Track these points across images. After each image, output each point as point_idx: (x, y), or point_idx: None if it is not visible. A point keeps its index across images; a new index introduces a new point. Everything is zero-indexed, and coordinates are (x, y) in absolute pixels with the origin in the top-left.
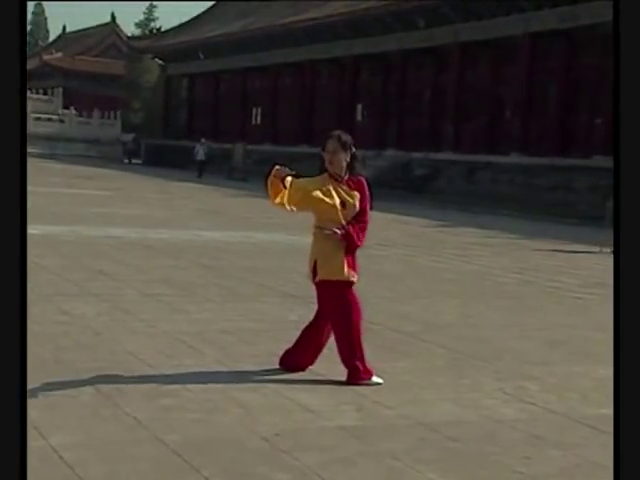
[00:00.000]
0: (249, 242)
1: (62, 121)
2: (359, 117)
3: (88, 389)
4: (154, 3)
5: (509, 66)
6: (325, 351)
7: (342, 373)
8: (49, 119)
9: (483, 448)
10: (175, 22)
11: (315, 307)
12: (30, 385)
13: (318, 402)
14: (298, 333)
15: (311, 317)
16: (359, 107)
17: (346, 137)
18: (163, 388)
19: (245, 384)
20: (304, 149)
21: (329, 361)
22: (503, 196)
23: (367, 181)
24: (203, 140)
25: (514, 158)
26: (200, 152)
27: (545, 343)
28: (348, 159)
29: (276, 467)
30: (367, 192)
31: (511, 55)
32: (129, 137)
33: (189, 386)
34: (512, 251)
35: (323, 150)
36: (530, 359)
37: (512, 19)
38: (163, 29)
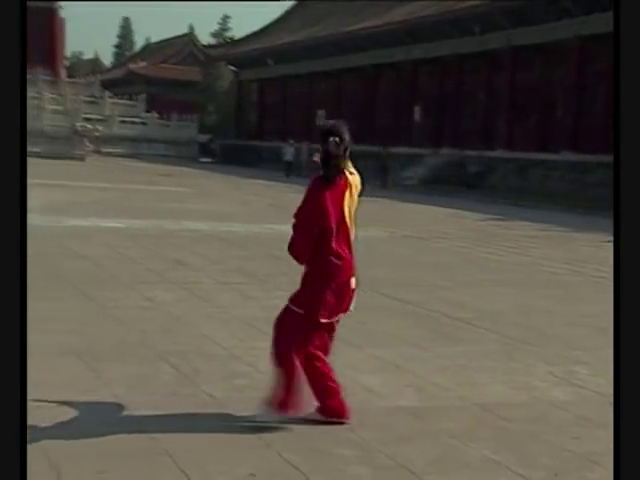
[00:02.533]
0: None
1: (144, 124)
2: (417, 117)
3: (168, 369)
4: (228, 15)
5: (560, 68)
6: (384, 338)
7: (399, 358)
8: (133, 122)
9: (534, 428)
10: (247, 32)
11: None
12: (117, 365)
13: (379, 383)
14: (358, 318)
15: (368, 305)
16: (417, 108)
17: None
18: (236, 369)
19: None
20: (365, 147)
21: (390, 346)
22: (554, 192)
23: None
24: (291, 141)
25: (565, 156)
26: (288, 153)
27: (593, 330)
28: None
29: (341, 443)
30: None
31: (562, 58)
32: (205, 138)
33: (260, 367)
34: (562, 243)
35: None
36: (579, 345)
37: (562, 24)
38: (236, 38)
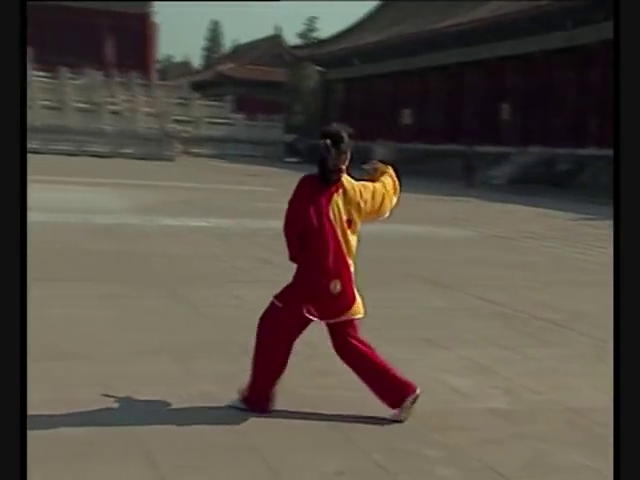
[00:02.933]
0: (398, 233)
1: (232, 124)
2: (504, 115)
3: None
4: (315, 16)
5: None
6: (472, 339)
7: (487, 359)
8: (221, 123)
9: None
10: (332, 32)
11: None
12: (207, 362)
13: (466, 385)
14: (447, 319)
15: (455, 305)
16: (504, 106)
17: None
18: (322, 368)
19: (395, 365)
20: (451, 147)
21: (478, 347)
22: None
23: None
24: (381, 140)
25: None
26: (378, 152)
27: None
28: None
29: (427, 444)
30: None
31: None
32: (290, 138)
33: (341, 367)
34: None
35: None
36: None
37: None
38: (322, 38)
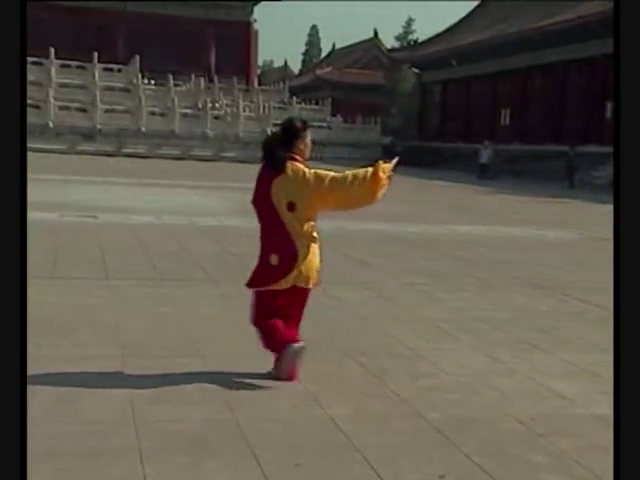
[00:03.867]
0: (498, 236)
1: (330, 128)
2: (609, 114)
3: (356, 367)
4: (412, 17)
5: None
6: (577, 343)
7: (593, 364)
8: (319, 126)
9: None
10: (430, 34)
11: None
12: (308, 362)
13: (572, 390)
14: (550, 323)
15: (558, 308)
16: (609, 105)
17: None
18: (423, 370)
19: (499, 369)
20: (552, 147)
21: (583, 351)
22: None
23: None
24: (487, 142)
25: None
26: (484, 154)
27: None
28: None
29: (532, 449)
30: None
31: None
32: (387, 140)
33: (446, 369)
34: None
35: (303, 137)
36: None
37: None
38: (419, 40)
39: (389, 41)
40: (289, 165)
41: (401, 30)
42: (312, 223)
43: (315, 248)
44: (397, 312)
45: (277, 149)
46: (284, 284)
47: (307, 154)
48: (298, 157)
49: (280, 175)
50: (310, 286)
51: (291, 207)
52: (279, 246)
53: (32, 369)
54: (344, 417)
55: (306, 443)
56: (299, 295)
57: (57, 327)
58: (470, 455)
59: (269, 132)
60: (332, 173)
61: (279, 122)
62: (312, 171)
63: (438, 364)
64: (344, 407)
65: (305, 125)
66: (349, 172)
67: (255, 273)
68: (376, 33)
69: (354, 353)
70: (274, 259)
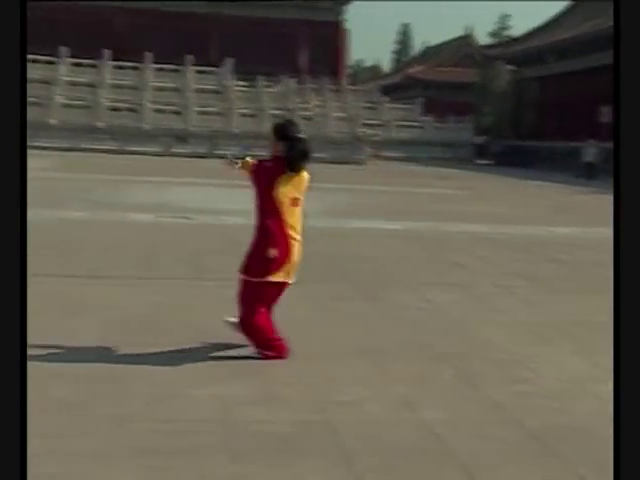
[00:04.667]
0: (598, 237)
1: (421, 127)
2: None
3: (450, 371)
4: (507, 13)
5: None
6: None
7: None
8: (410, 126)
9: None
10: (525, 29)
11: None
12: (401, 364)
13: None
14: None
15: None
16: None
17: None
18: (518, 374)
19: (600, 376)
20: None
21: None
22: None
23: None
24: (591, 140)
25: None
26: (589, 153)
27: None
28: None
29: None
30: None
31: None
32: (480, 140)
33: (544, 374)
34: None
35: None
36: None
37: None
38: (514, 37)
39: (483, 38)
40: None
41: (495, 26)
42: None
43: (299, 245)
44: (492, 315)
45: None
46: (279, 277)
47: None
48: None
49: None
50: (290, 281)
51: (295, 202)
52: (278, 239)
53: (130, 369)
54: (439, 421)
55: (400, 447)
56: (282, 289)
57: (152, 326)
58: (573, 465)
59: (359, 132)
60: None
61: (369, 122)
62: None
63: (535, 369)
64: (438, 411)
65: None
66: None
67: (251, 263)
68: (469, 30)
69: (448, 356)
70: (273, 252)
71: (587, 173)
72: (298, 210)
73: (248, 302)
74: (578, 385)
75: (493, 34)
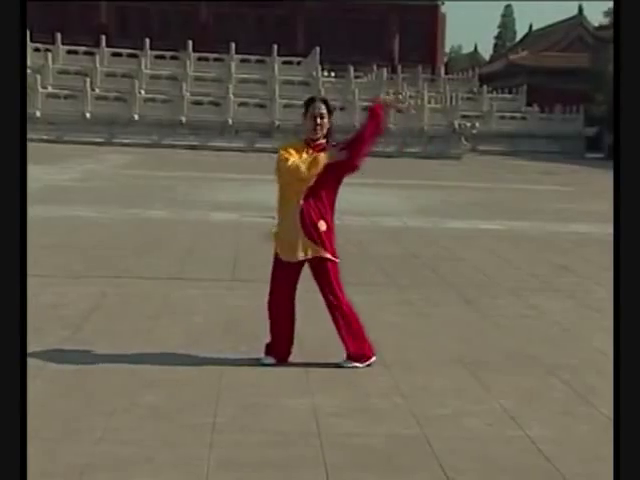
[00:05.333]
0: None
1: (524, 118)
2: None
3: (559, 385)
4: None
5: None
6: None
7: None
8: (512, 117)
9: None
10: None
11: None
12: (503, 376)
13: None
14: None
15: None
16: None
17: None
18: None
19: None
20: None
21: None
22: None
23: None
24: None
25: None
26: None
27: None
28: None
29: None
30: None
31: None
32: (592, 131)
33: None
34: None
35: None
36: None
37: None
38: None
39: (597, 18)
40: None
41: (611, 4)
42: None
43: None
44: (605, 324)
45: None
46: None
47: (310, 129)
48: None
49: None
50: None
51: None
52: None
53: (217, 376)
54: (546, 439)
55: (503, 466)
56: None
57: (239, 330)
58: None
59: (456, 125)
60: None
61: (467, 113)
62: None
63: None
64: (546, 428)
65: (308, 102)
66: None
67: (329, 242)
68: (581, 9)
69: (557, 368)
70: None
71: None
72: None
73: (338, 284)
74: None
75: (608, 13)
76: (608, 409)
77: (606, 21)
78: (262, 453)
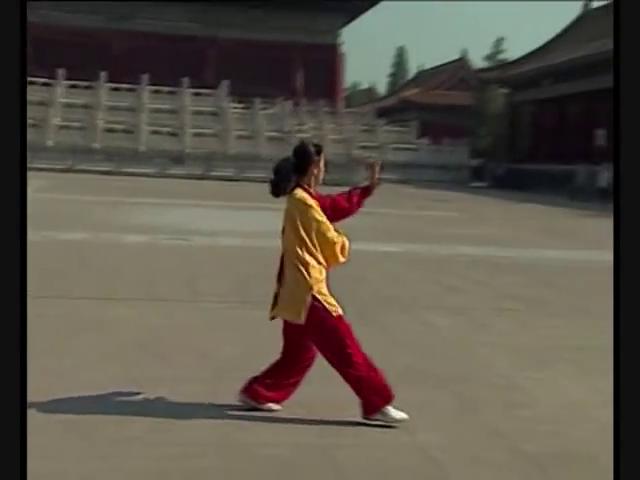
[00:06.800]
0: (595, 260)
1: (416, 150)
2: None
3: (448, 395)
4: (502, 37)
5: None
6: None
7: None
8: (405, 148)
9: None
10: (521, 52)
11: None
12: (398, 389)
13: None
14: None
15: None
16: None
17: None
18: (518, 399)
19: (598, 400)
20: None
21: None
22: None
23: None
24: (606, 164)
25: None
26: (603, 178)
27: None
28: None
29: None
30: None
31: None
32: (476, 162)
33: (543, 399)
34: None
35: (317, 162)
36: None
37: None
38: (510, 60)
39: (478, 61)
40: (296, 192)
41: (490, 50)
42: (303, 249)
43: (301, 277)
44: (490, 338)
45: (288, 176)
46: (273, 312)
47: (321, 178)
48: (307, 186)
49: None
50: (291, 319)
51: (283, 230)
52: (279, 272)
53: (128, 391)
54: (436, 446)
55: (396, 472)
56: (289, 330)
57: (152, 348)
58: None
59: (354, 155)
60: (325, 225)
61: (364, 144)
62: (312, 211)
63: (534, 394)
64: (436, 436)
65: (319, 149)
66: (335, 234)
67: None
68: (464, 53)
69: (446, 381)
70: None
71: (600, 198)
72: (285, 238)
73: None
74: (576, 410)
75: (488, 57)
76: (491, 417)
77: (487, 64)
78: (176, 464)
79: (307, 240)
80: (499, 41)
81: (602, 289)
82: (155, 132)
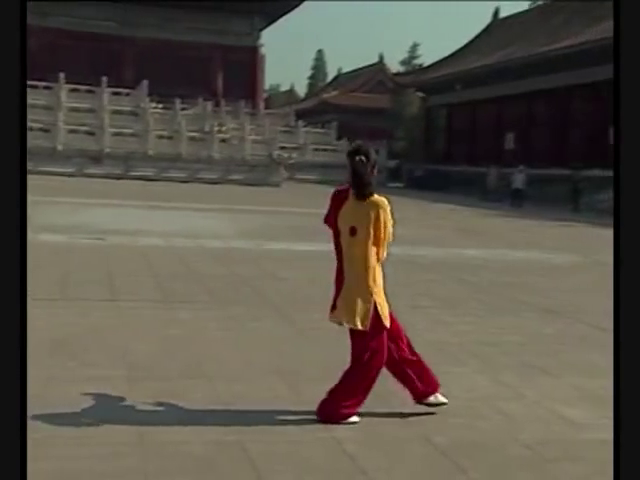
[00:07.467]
0: (505, 259)
1: (335, 150)
2: (611, 139)
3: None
4: (417, 42)
5: None
6: (585, 368)
7: (601, 389)
8: (325, 149)
9: None
10: (436, 58)
11: None
12: (317, 385)
13: (579, 414)
14: (557, 347)
15: (566, 332)
16: (611, 130)
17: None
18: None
19: (505, 393)
20: (557, 171)
21: (591, 376)
22: None
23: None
24: (521, 167)
25: None
26: (518, 179)
27: None
28: None
29: (540, 476)
30: None
31: None
32: (393, 163)
33: (452, 392)
34: None
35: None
36: None
37: None
38: (425, 65)
39: (394, 65)
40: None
41: (406, 55)
42: (373, 253)
43: (366, 284)
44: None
45: (369, 177)
46: (333, 318)
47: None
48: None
49: (358, 200)
50: (351, 325)
51: (353, 231)
52: (337, 274)
53: (40, 391)
54: (350, 439)
55: (311, 465)
56: (351, 336)
57: (67, 348)
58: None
59: (275, 155)
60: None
61: (285, 145)
62: (386, 214)
63: (444, 387)
64: (350, 430)
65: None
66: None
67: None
68: (381, 57)
69: None
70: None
71: (515, 200)
72: (357, 242)
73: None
74: (485, 403)
75: (404, 62)
76: (402, 409)
77: (403, 68)
78: (88, 465)
79: (383, 241)
80: (414, 47)
81: (510, 286)
82: (73, 131)
